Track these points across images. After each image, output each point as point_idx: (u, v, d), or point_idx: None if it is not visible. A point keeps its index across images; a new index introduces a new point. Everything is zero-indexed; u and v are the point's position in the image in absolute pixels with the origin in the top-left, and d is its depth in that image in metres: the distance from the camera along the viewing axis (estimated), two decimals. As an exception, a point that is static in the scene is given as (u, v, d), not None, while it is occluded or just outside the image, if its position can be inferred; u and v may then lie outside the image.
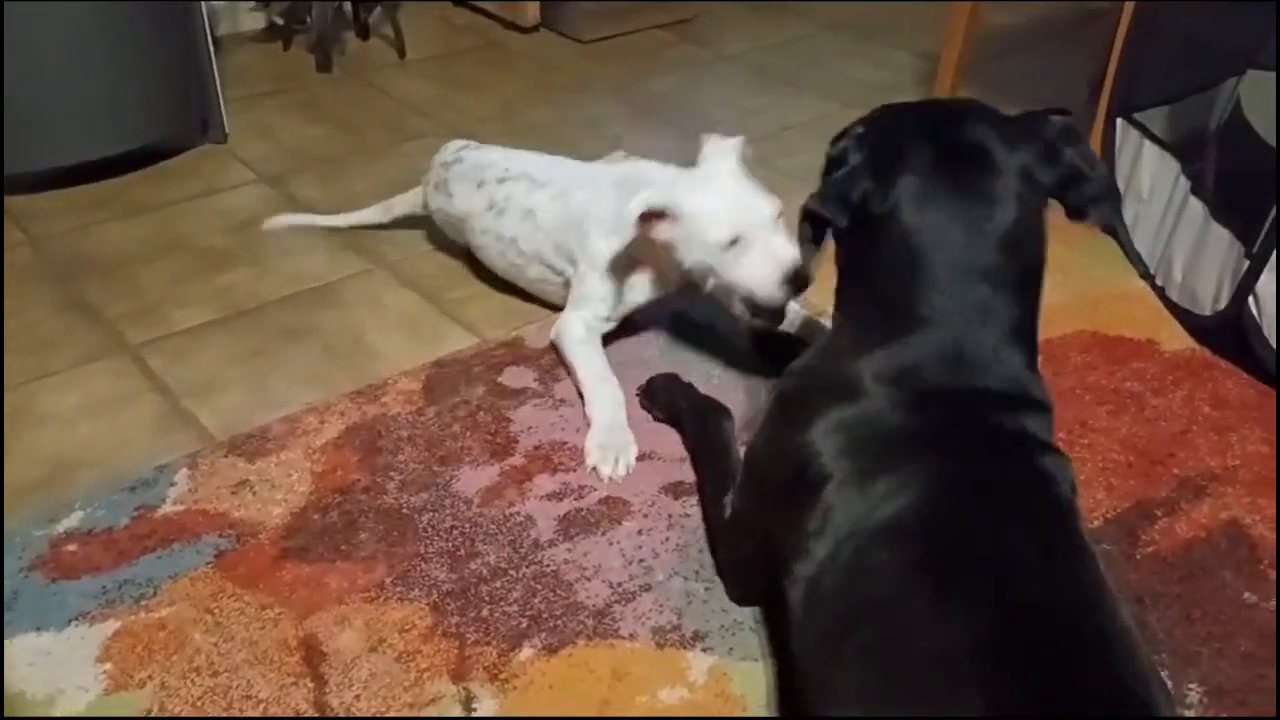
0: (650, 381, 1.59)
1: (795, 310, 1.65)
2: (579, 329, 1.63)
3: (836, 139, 1.13)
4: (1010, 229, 1.03)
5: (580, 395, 1.58)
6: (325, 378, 1.64)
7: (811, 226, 1.13)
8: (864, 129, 1.10)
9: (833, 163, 1.12)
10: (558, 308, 1.72)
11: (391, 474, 1.45)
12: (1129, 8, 1.94)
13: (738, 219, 1.48)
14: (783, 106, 2.53)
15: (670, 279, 1.63)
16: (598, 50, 2.86)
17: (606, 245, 1.62)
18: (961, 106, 1.12)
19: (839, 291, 1.15)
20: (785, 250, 1.47)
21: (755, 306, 1.53)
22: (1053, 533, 0.97)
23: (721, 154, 1.55)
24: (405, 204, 1.97)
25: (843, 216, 1.07)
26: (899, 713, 0.87)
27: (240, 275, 1.88)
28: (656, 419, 1.56)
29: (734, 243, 1.48)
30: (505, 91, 2.61)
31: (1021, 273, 1.05)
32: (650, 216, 1.51)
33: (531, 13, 2.91)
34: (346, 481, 1.43)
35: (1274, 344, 1.60)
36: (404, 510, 1.39)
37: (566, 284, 1.69)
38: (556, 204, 1.68)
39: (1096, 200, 1.08)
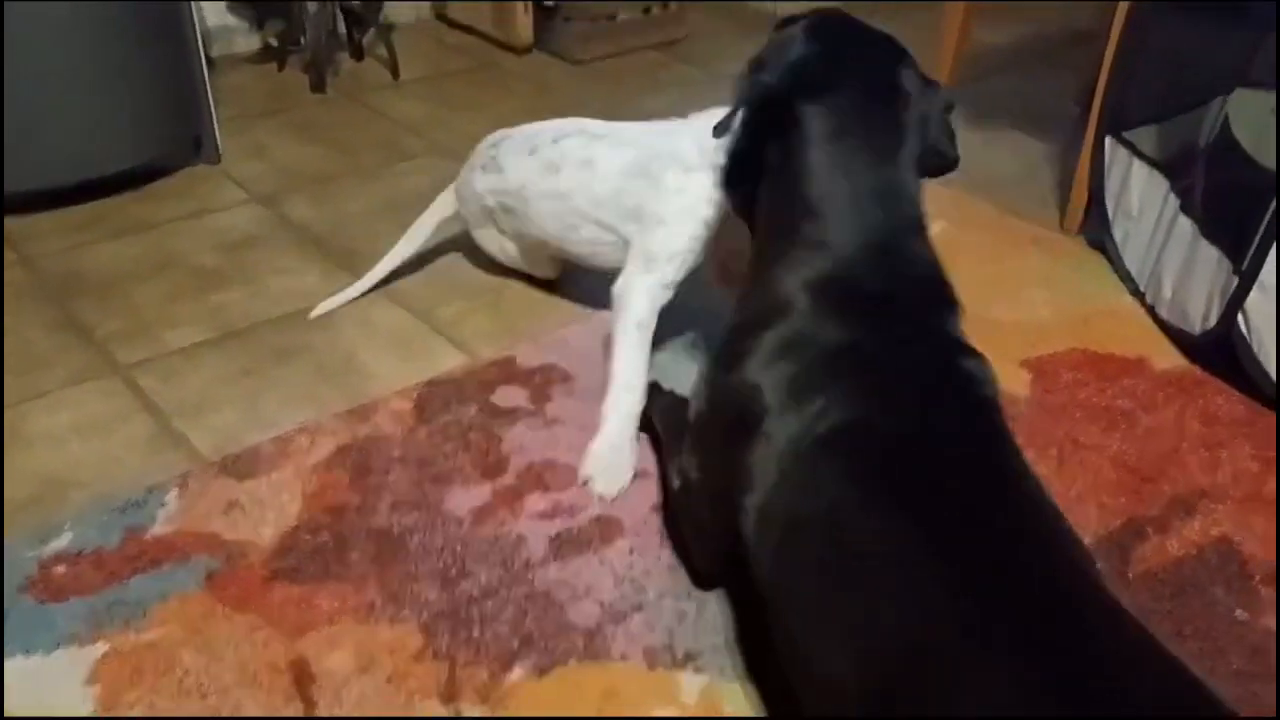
0: None
1: None
2: (643, 306, 1.53)
3: (802, 34, 1.25)
4: (916, 154, 1.23)
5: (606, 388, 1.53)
6: (316, 397, 1.63)
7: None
8: (821, 56, 1.23)
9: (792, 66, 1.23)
10: (609, 276, 1.61)
11: (382, 494, 1.44)
12: (1118, 26, 1.95)
13: None
14: (775, 125, 2.53)
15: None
16: (591, 71, 2.87)
17: (688, 180, 1.54)
18: (886, 40, 1.29)
19: (762, 206, 1.25)
20: None
21: None
22: (979, 430, 1.07)
23: None
24: (434, 214, 1.87)
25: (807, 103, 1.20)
26: (853, 607, 0.94)
27: (232, 295, 1.88)
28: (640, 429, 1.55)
29: None
30: (500, 111, 2.61)
31: (918, 196, 1.22)
32: None
33: (524, 33, 2.92)
34: (337, 502, 1.43)
35: (1263, 361, 1.60)
36: (395, 530, 1.39)
37: (620, 246, 1.63)
38: (620, 151, 1.63)
39: (950, 159, 1.28)
